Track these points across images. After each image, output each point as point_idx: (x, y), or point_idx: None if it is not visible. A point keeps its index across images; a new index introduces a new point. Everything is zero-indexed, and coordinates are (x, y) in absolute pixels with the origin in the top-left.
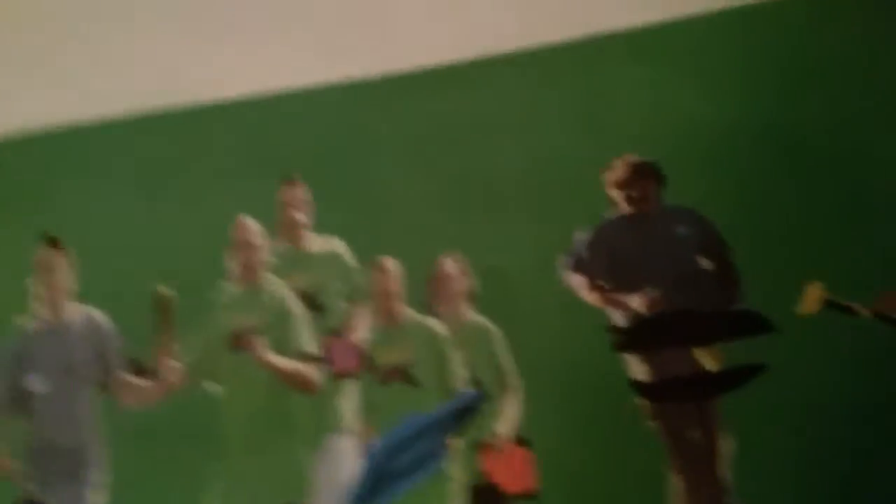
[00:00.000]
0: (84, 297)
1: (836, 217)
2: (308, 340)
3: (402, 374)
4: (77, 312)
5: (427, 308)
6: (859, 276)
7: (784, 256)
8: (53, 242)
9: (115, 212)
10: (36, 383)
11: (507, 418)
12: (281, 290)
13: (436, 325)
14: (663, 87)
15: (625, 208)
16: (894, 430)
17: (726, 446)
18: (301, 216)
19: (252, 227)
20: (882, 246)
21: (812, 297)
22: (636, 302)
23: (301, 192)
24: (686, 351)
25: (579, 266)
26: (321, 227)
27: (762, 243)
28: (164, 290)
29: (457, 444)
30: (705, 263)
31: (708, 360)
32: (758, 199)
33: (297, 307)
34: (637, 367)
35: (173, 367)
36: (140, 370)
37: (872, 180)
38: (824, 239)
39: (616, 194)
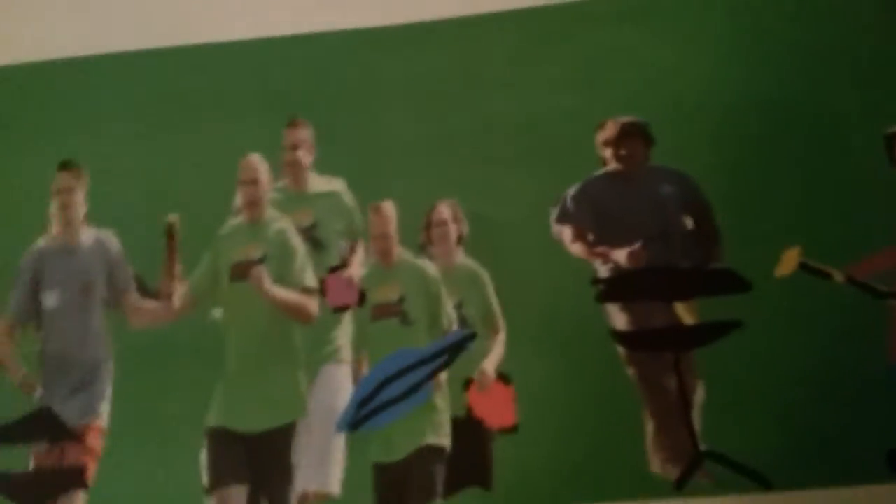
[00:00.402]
0: (97, 220)
1: (816, 186)
2: (307, 274)
3: (395, 311)
4: (91, 234)
5: (421, 250)
6: (835, 244)
7: (764, 220)
8: (70, 168)
9: (130, 142)
10: (50, 299)
11: (492, 357)
12: (284, 225)
13: (429, 266)
14: (653, 51)
15: (613, 166)
16: (858, 387)
17: (698, 394)
18: (305, 156)
19: (259, 164)
20: (857, 216)
21: (789, 261)
22: (619, 255)
23: (306, 134)
24: (665, 304)
25: (565, 217)
26: (323, 167)
27: (744, 206)
28: (172, 217)
29: (444, 378)
30: (688, 222)
31: (685, 313)
32: (741, 163)
33: (298, 242)
34: (617, 317)
35: (179, 291)
36: (148, 293)
37: (851, 151)
38: (804, 206)
39: (606, 152)
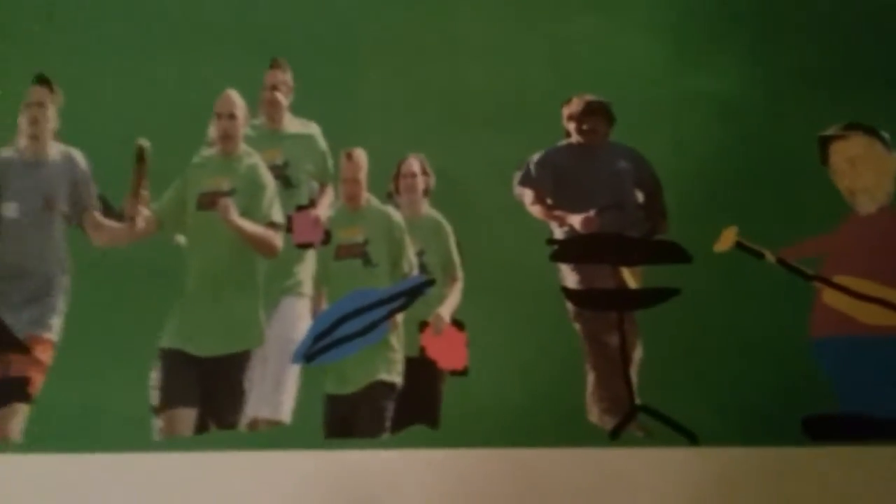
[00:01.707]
0: (67, 139)
1: (755, 175)
2: (275, 210)
3: (358, 252)
4: (58, 150)
5: (388, 198)
6: (769, 227)
7: (707, 201)
8: (45, 82)
9: (109, 66)
10: (10, 209)
11: (448, 303)
12: (255, 161)
13: (394, 213)
14: (615, 39)
15: (576, 139)
16: (781, 357)
17: (637, 352)
18: (282, 98)
19: (236, 100)
20: (790, 206)
21: (727, 238)
22: (574, 220)
23: (286, 76)
24: (612, 268)
25: (527, 181)
26: (300, 110)
27: (690, 187)
28: (143, 142)
29: (400, 319)
30: (639, 196)
31: (630, 278)
32: (689, 148)
33: (268, 179)
34: (568, 276)
35: (144, 213)
36: (112, 213)
37: (788, 148)
38: (743, 192)
39: (570, 126)
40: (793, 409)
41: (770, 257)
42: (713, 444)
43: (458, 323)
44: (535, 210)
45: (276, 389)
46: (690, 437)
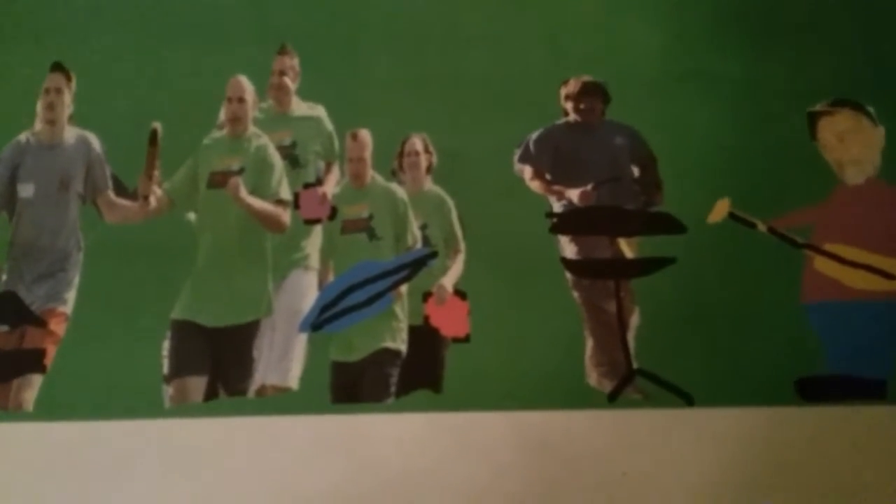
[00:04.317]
0: (82, 122)
1: (747, 149)
2: (283, 188)
3: (364, 226)
4: (74, 133)
5: (393, 175)
6: (760, 200)
7: (701, 174)
8: (61, 70)
9: (122, 52)
10: (26, 189)
11: (451, 274)
12: (264, 141)
13: (398, 189)
14: (611, 22)
15: (573, 117)
16: (773, 322)
17: (634, 319)
18: (290, 82)
19: (245, 84)
20: (780, 178)
21: (720, 209)
22: (572, 194)
23: (293, 61)
24: (609, 239)
25: (526, 158)
26: (307, 94)
27: (684, 161)
28: (156, 124)
29: (405, 290)
30: (635, 170)
31: (627, 248)
32: (683, 123)
33: (276, 158)
34: (567, 247)
35: (156, 193)
36: (125, 193)
37: (780, 118)
38: (736, 163)
39: (568, 105)
40: (785, 371)
41: (761, 227)
42: (708, 406)
43: (460, 293)
44: (535, 185)
45: (283, 357)
46: (686, 399)
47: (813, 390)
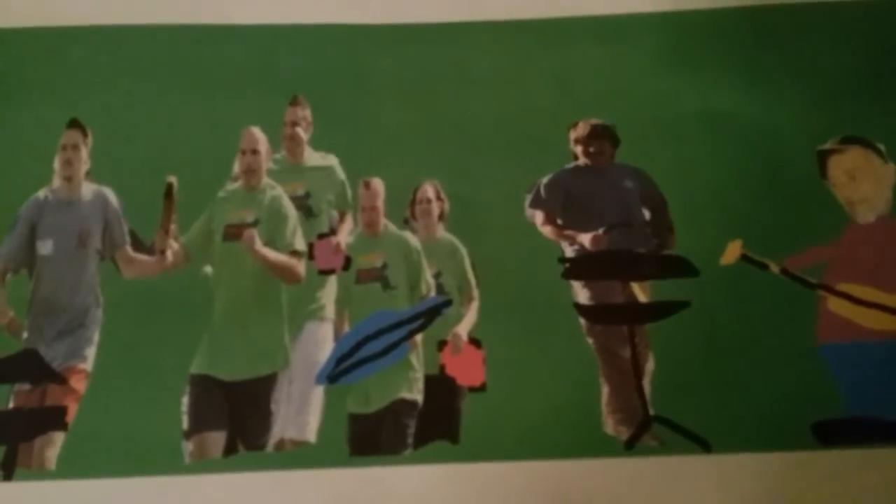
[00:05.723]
0: (99, 178)
1: (758, 190)
2: (297, 239)
3: (378, 276)
4: (91, 189)
5: (405, 224)
6: (772, 240)
7: (712, 216)
8: (78, 126)
9: (137, 108)
10: (45, 247)
11: (465, 322)
12: (278, 193)
13: (411, 237)
14: (619, 66)
15: (583, 161)
16: (789, 364)
17: (649, 364)
18: (302, 133)
19: (259, 136)
20: (791, 218)
21: (732, 251)
22: (584, 238)
23: (305, 112)
24: (622, 283)
25: (537, 203)
26: (319, 145)
27: (694, 203)
28: (171, 178)
29: (420, 339)
30: (646, 213)
31: (640, 292)
32: (693, 166)
33: (290, 209)
34: (580, 292)
35: (173, 247)
36: (142, 248)
37: (788, 163)
38: (747, 206)
39: (577, 149)
40: (801, 414)
41: (774, 268)
42: (726, 452)
43: (475, 341)
44: (546, 230)
45: (301, 410)
46: (704, 445)
47: (830, 433)
